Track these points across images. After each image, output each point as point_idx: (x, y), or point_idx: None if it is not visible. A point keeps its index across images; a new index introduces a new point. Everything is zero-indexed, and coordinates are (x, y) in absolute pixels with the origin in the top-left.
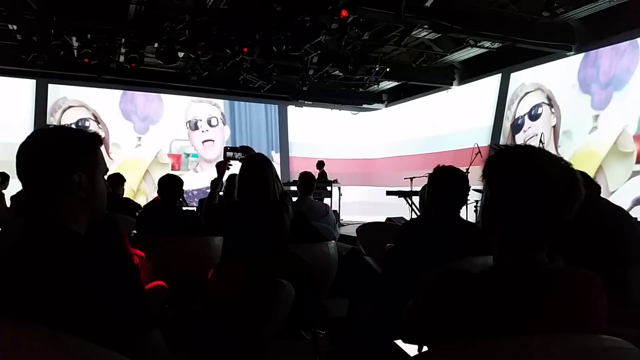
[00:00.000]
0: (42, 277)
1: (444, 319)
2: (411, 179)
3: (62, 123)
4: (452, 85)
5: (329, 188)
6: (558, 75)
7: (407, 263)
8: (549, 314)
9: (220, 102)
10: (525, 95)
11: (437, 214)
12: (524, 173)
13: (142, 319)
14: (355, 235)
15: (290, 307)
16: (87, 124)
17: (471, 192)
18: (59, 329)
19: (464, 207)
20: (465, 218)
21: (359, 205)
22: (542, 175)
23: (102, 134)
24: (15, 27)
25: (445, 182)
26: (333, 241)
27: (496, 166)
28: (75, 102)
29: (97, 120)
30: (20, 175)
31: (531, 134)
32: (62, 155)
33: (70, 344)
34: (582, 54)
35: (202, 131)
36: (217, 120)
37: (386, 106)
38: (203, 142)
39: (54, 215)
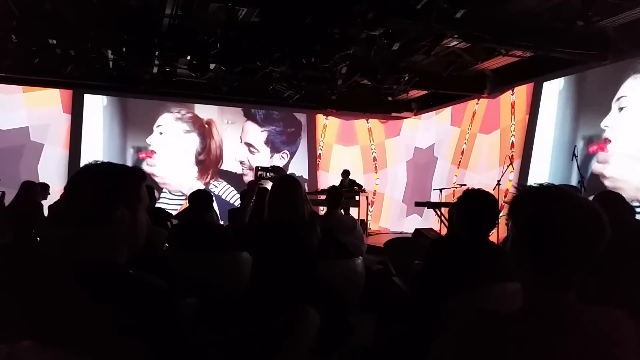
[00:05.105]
0: (85, 309)
1: None
2: (440, 189)
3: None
4: (483, 93)
5: (357, 197)
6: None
7: (437, 287)
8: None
9: None
10: None
11: (466, 236)
12: (550, 214)
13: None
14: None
15: (315, 334)
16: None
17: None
18: None
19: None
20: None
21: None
22: (568, 216)
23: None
24: (54, 42)
25: (475, 206)
26: (360, 257)
27: (521, 207)
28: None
29: None
30: (68, 208)
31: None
32: (107, 192)
33: None
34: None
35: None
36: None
37: (415, 114)
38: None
39: (96, 248)
